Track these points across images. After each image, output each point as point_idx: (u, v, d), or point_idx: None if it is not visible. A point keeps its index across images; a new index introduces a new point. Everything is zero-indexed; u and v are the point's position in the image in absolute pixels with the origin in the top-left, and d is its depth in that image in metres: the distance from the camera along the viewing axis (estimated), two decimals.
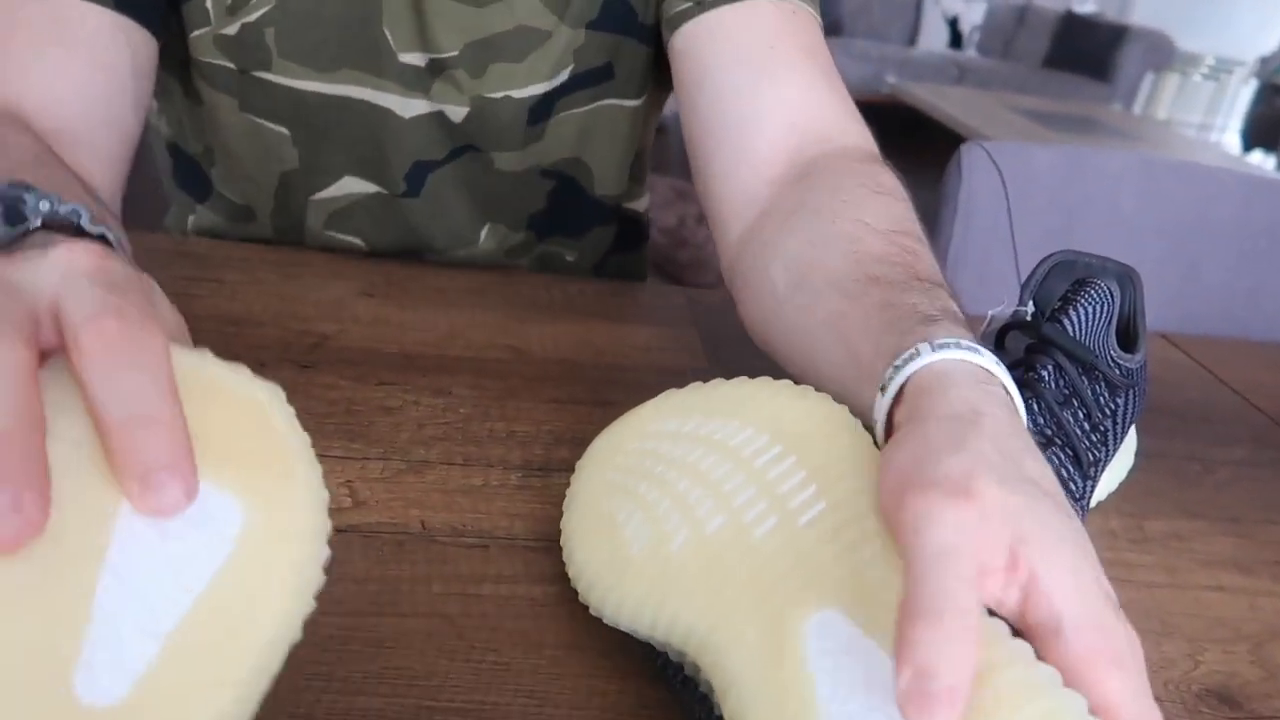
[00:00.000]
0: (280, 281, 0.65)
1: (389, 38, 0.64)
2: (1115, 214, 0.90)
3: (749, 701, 0.31)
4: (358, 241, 0.75)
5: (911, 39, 5.87)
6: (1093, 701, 0.28)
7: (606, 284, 0.76)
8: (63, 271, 0.29)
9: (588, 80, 0.70)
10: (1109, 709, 0.28)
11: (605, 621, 0.36)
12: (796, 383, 0.41)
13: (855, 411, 0.39)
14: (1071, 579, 0.30)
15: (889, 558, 0.32)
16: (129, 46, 0.56)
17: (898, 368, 0.37)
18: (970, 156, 0.88)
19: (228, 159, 0.72)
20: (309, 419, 0.50)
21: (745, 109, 0.59)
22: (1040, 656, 0.29)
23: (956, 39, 5.89)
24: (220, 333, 0.57)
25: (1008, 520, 0.30)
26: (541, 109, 0.70)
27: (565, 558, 0.40)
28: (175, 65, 0.68)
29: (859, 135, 0.60)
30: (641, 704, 0.36)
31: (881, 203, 0.51)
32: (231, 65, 0.65)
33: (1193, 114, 6.07)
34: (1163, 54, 5.61)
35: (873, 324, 0.42)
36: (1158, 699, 0.38)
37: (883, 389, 0.38)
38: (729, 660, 0.32)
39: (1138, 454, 0.59)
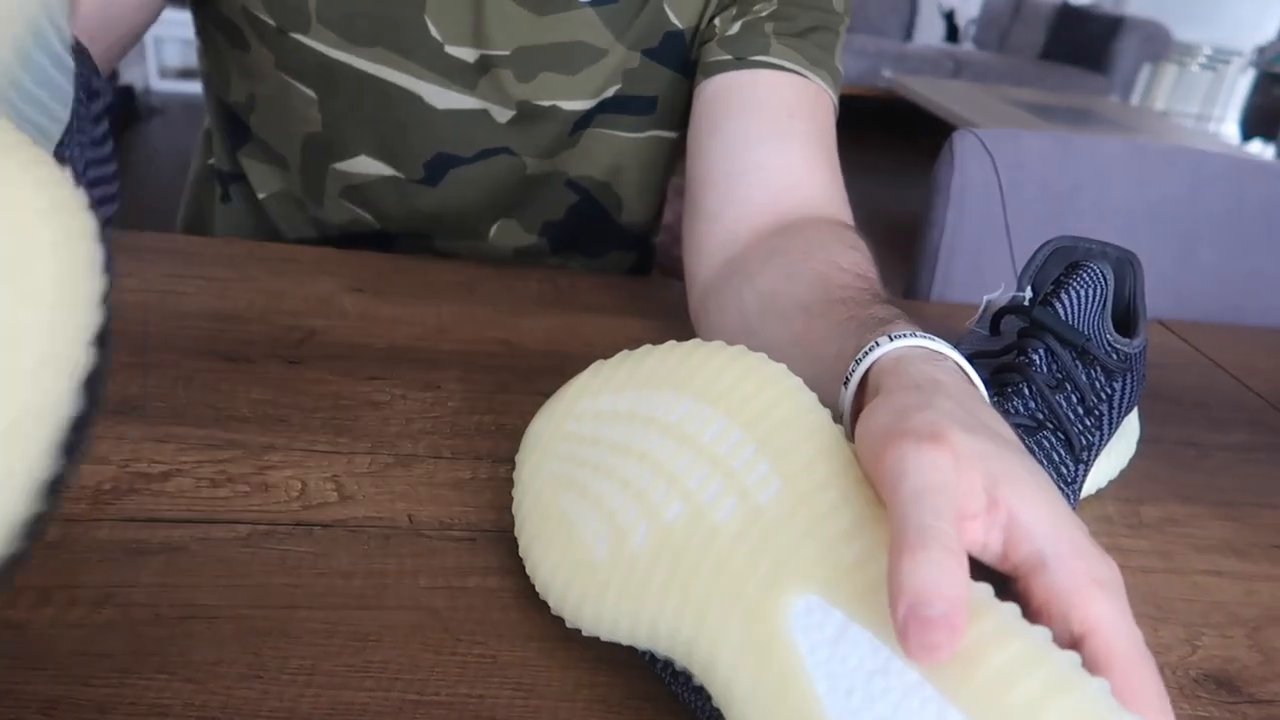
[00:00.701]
0: (268, 277, 0.65)
1: (431, 27, 0.65)
2: (1108, 199, 0.90)
3: (749, 705, 0.30)
4: (369, 217, 0.76)
5: (908, 33, 5.86)
6: (1081, 626, 0.29)
7: (599, 278, 0.76)
8: None
9: (632, 107, 0.72)
10: (1098, 631, 0.29)
11: (584, 633, 0.36)
12: None
13: None
14: (1047, 513, 0.31)
15: (862, 529, 0.32)
16: None
17: (859, 361, 0.40)
18: (963, 144, 0.87)
19: (265, 108, 0.74)
20: (296, 414, 0.50)
21: (749, 161, 0.63)
22: (1028, 589, 0.30)
23: (953, 33, 5.89)
24: (208, 329, 0.57)
25: (978, 463, 0.31)
26: (582, 123, 0.72)
27: (529, 571, 0.39)
28: (225, 11, 0.69)
29: (843, 211, 0.64)
30: (630, 695, 0.36)
31: (851, 254, 0.54)
32: (272, 22, 0.66)
33: (1190, 104, 6.06)
34: (1159, 45, 5.60)
35: (835, 334, 0.45)
36: None
37: (846, 382, 0.40)
38: (719, 663, 0.32)
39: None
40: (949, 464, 0.31)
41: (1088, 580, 0.29)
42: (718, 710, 0.32)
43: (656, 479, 0.37)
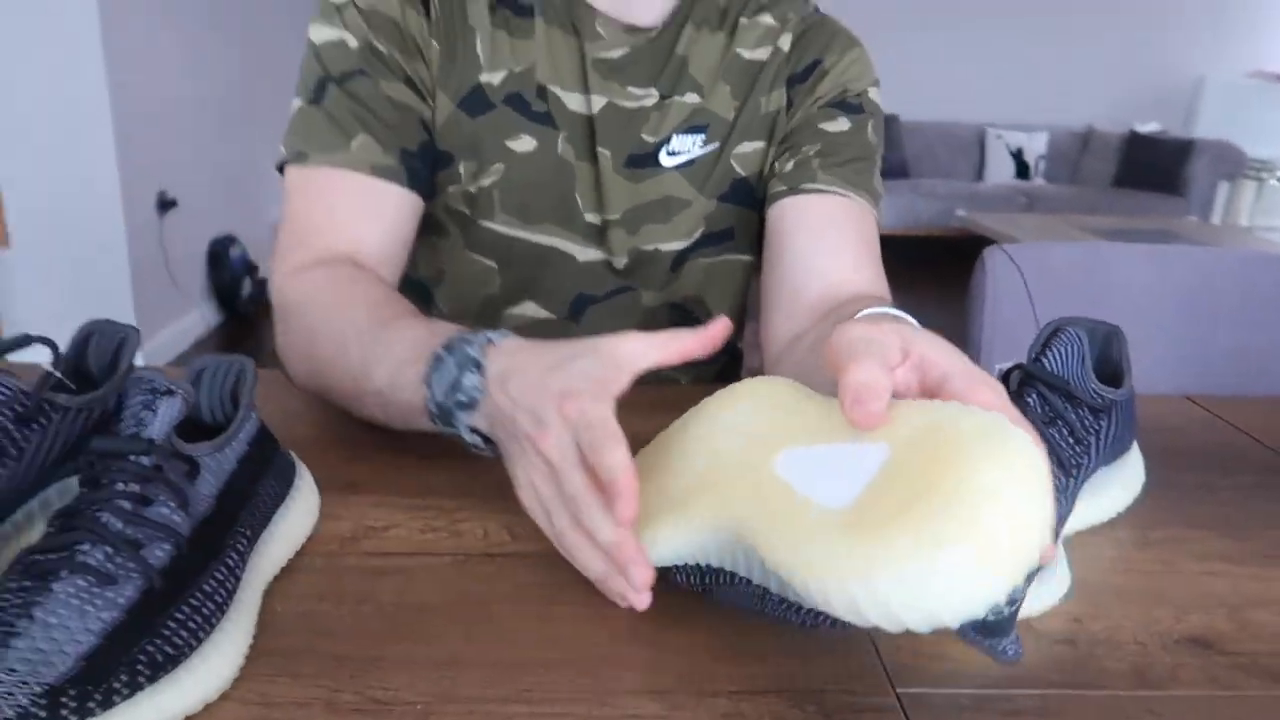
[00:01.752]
0: None
1: (579, 202, 0.88)
2: (1130, 298, 1.02)
3: (768, 536, 0.45)
4: None
5: (978, 174, 6.05)
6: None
7: (693, 386, 0.91)
8: None
9: (715, 240, 0.94)
10: (990, 406, 0.44)
11: (657, 562, 0.51)
12: None
13: None
14: (947, 352, 0.47)
15: (826, 414, 0.49)
16: (411, 212, 0.83)
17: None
18: (992, 260, 1.02)
19: (449, 281, 0.95)
20: (475, 485, 0.66)
21: (811, 267, 0.83)
22: (938, 398, 0.47)
23: (1023, 170, 6.04)
24: (399, 434, 0.74)
25: (897, 332, 0.48)
26: (680, 259, 0.93)
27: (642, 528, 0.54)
28: (431, 209, 0.90)
29: (885, 295, 0.82)
30: (724, 649, 0.50)
31: (890, 316, 0.71)
32: (466, 212, 0.89)
33: (1275, 219, 6.06)
34: (1232, 163, 5.68)
35: None
36: (1143, 644, 0.52)
37: None
38: (744, 526, 0.46)
39: (1150, 485, 0.69)
40: (876, 332, 0.47)
41: (979, 381, 0.46)
42: (762, 589, 0.47)
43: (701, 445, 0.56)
